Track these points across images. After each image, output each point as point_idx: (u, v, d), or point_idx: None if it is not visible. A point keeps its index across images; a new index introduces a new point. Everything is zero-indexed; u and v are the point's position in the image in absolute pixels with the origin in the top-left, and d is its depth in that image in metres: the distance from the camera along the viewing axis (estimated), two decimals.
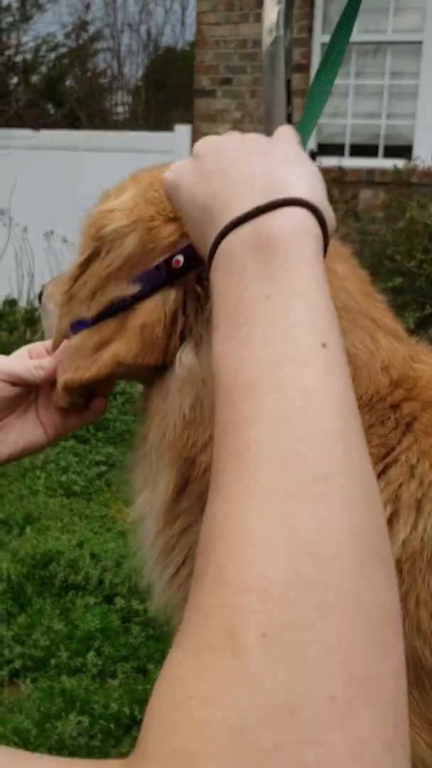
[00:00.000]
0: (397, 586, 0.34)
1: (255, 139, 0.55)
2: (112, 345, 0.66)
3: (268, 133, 0.86)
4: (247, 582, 0.32)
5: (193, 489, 0.66)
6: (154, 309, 0.63)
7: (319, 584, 0.31)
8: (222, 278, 0.44)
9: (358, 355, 0.62)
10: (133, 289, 0.64)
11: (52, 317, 0.82)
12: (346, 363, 0.40)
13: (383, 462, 0.59)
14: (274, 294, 0.41)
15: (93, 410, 0.77)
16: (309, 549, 0.32)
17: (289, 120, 0.86)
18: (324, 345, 0.39)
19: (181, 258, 0.63)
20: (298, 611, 0.31)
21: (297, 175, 0.48)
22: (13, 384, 0.74)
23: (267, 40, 0.81)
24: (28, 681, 1.93)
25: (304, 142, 0.67)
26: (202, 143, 0.55)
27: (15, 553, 2.46)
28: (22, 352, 0.78)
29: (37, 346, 0.78)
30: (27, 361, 0.75)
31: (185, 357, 0.65)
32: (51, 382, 0.73)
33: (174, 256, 0.62)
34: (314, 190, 0.48)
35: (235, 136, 0.56)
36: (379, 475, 0.58)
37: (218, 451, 0.38)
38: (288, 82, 0.84)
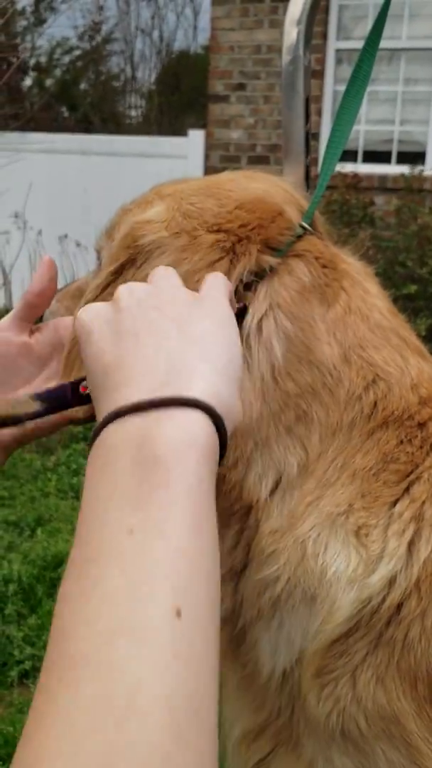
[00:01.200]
0: None
1: (181, 300, 0.50)
2: None
3: (287, 151, 0.88)
4: None
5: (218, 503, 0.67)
6: None
7: None
8: (95, 475, 0.40)
9: (391, 372, 0.63)
10: (33, 406, 0.61)
11: None
12: (207, 630, 0.35)
13: (407, 479, 0.60)
14: (138, 529, 0.36)
15: None
16: None
17: (306, 137, 0.87)
18: (178, 612, 0.34)
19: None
20: None
21: (206, 362, 0.45)
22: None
23: (286, 58, 0.82)
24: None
25: (331, 169, 0.67)
26: (126, 291, 0.50)
27: (26, 555, 2.48)
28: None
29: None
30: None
31: None
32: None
33: (82, 381, 0.59)
34: (220, 382, 0.44)
35: (163, 287, 0.51)
36: (403, 493, 0.60)
37: None
38: (307, 100, 0.85)
